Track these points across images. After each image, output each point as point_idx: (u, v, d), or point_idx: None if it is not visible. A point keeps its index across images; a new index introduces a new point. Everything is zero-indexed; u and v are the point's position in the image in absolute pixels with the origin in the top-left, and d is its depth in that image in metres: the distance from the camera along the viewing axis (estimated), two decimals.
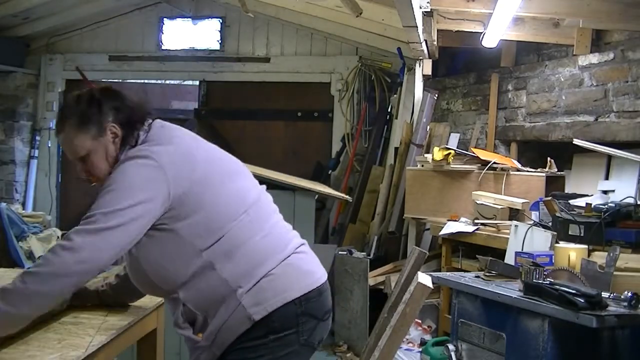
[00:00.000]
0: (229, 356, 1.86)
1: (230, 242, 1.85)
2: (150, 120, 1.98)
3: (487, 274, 2.93)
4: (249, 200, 1.94)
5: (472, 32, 4.59)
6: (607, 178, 4.17)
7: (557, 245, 3.05)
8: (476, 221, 4.03)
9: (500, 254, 3.49)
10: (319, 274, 1.97)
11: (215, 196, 1.87)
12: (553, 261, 2.93)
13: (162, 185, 1.80)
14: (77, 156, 1.95)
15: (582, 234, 3.07)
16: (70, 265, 1.72)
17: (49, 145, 7.22)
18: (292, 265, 1.91)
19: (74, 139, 1.93)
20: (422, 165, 4.74)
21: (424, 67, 5.40)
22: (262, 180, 3.81)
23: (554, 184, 4.25)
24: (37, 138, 7.22)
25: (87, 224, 1.77)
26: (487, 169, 4.38)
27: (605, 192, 3.96)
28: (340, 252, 5.30)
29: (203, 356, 1.88)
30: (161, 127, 1.98)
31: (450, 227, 4.09)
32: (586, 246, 2.94)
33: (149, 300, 2.33)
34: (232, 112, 7.24)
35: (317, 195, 3.98)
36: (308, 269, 1.96)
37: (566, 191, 4.17)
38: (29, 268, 1.77)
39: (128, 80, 7.60)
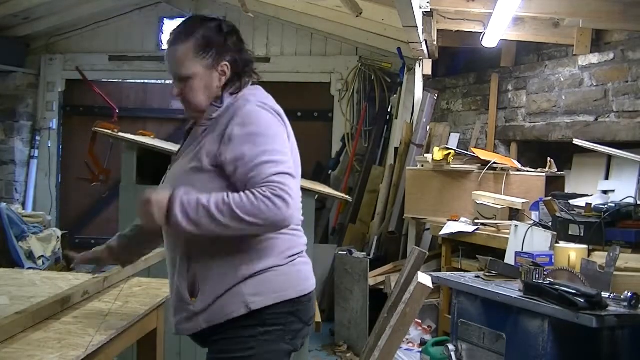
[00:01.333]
0: (216, 340, 1.88)
1: None
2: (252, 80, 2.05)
3: (487, 274, 2.93)
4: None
5: (472, 32, 4.59)
6: (607, 178, 4.17)
7: (557, 245, 3.05)
8: (476, 221, 4.03)
9: (500, 254, 3.49)
10: (312, 280, 2.02)
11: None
12: (553, 261, 2.93)
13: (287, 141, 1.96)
14: (180, 75, 1.95)
15: (582, 234, 3.07)
16: (273, 222, 1.80)
17: (49, 145, 7.22)
18: (297, 267, 1.95)
19: (186, 58, 1.93)
20: (422, 165, 4.74)
21: (424, 67, 5.40)
22: None
23: (554, 184, 4.25)
24: (37, 138, 7.23)
25: (284, 178, 1.82)
26: (487, 169, 4.39)
27: (605, 192, 3.96)
28: (340, 252, 5.30)
29: (187, 324, 1.89)
30: (266, 95, 2.04)
31: (450, 227, 4.10)
32: (586, 246, 2.94)
33: (149, 300, 2.33)
34: None
35: (317, 195, 3.98)
36: (307, 274, 2.00)
37: (566, 191, 4.17)
38: (240, 206, 1.77)
39: (128, 80, 7.60)
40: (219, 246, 1.85)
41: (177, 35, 1.96)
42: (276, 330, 1.88)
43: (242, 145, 1.83)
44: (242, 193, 1.78)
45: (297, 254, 1.96)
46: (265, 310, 1.86)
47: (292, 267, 1.93)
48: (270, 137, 1.86)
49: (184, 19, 2.03)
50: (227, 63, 1.95)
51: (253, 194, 1.77)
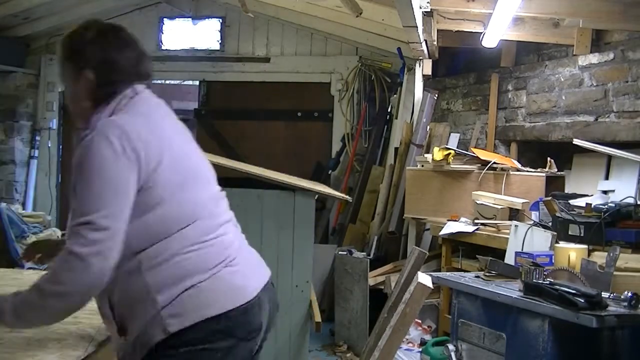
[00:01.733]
0: None
1: (165, 249, 1.74)
2: (143, 87, 1.86)
3: (487, 274, 2.93)
4: (203, 212, 1.81)
5: (472, 32, 4.59)
6: (607, 178, 4.17)
7: (557, 245, 3.05)
8: (476, 221, 4.03)
9: (500, 254, 3.49)
10: (248, 290, 1.83)
11: (170, 200, 1.75)
12: (553, 261, 2.93)
13: (133, 178, 1.70)
14: (62, 85, 1.93)
15: (582, 234, 3.07)
16: (84, 283, 1.65)
17: (49, 145, 7.22)
18: (222, 280, 1.79)
19: (59, 69, 1.89)
20: (422, 165, 4.74)
21: (424, 67, 5.40)
22: (262, 180, 3.82)
23: (554, 184, 4.25)
24: (37, 138, 7.22)
25: (87, 231, 1.64)
26: (487, 169, 4.38)
27: (605, 192, 3.97)
28: (340, 252, 5.30)
29: (128, 358, 1.80)
30: (140, 100, 1.84)
31: (450, 227, 4.09)
32: (586, 246, 2.94)
33: None
34: (232, 112, 7.24)
35: (317, 195, 3.98)
36: (239, 284, 1.82)
37: (566, 191, 4.17)
38: (44, 279, 1.68)
39: None
40: (132, 284, 1.74)
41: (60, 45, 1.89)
42: (200, 349, 1.75)
43: (73, 179, 1.71)
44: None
45: (219, 264, 1.79)
46: (186, 331, 1.73)
47: (215, 280, 1.77)
48: (95, 176, 1.67)
49: None
50: (88, 72, 1.80)
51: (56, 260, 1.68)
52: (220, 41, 7.16)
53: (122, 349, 1.81)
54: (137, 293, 1.73)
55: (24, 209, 6.77)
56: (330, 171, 6.80)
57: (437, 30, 4.62)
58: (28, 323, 1.73)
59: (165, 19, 7.23)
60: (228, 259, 1.82)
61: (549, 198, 3.56)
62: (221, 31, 7.15)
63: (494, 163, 4.40)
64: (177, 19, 7.23)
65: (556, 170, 4.35)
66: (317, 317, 3.78)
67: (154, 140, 1.74)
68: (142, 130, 1.73)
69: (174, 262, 1.74)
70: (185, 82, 7.80)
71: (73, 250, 1.62)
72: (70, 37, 1.85)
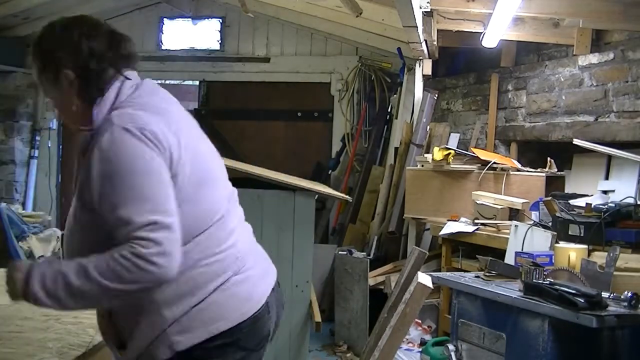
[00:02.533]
0: None
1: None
2: (136, 75, 1.74)
3: (487, 274, 2.93)
4: (215, 216, 1.71)
5: (472, 32, 4.59)
6: (607, 178, 4.17)
7: (557, 245, 3.05)
8: (476, 221, 4.03)
9: (500, 254, 3.49)
10: (255, 299, 1.77)
11: (188, 202, 1.63)
12: (553, 261, 2.93)
13: (166, 173, 1.59)
14: (47, 97, 1.78)
15: (582, 234, 3.07)
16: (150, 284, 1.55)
17: (49, 145, 7.22)
18: (230, 291, 1.71)
19: (38, 81, 1.73)
20: (422, 165, 4.74)
21: (424, 67, 5.40)
22: (262, 180, 3.83)
23: (554, 184, 4.26)
24: (37, 138, 7.23)
25: (149, 232, 1.52)
26: (487, 169, 4.39)
27: (605, 192, 3.97)
28: (340, 252, 5.30)
29: None
30: (152, 93, 1.72)
31: (450, 227, 4.09)
32: (586, 246, 2.94)
33: None
34: (232, 112, 7.24)
35: (317, 195, 3.98)
36: (246, 294, 1.75)
37: (566, 191, 4.17)
38: (103, 275, 1.53)
39: None
40: (138, 299, 1.64)
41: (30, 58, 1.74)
42: None
43: (102, 187, 1.57)
44: (104, 255, 1.54)
45: (227, 278, 1.71)
46: (194, 348, 1.66)
47: (223, 293, 1.70)
48: (135, 175, 1.55)
49: None
50: (67, 71, 1.66)
51: (112, 256, 1.52)
52: (220, 41, 7.16)
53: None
54: (143, 308, 1.65)
55: (24, 209, 6.78)
56: (330, 171, 6.80)
57: (437, 30, 4.61)
58: (55, 299, 1.54)
59: (165, 19, 7.23)
60: (238, 268, 1.75)
61: (549, 198, 3.56)
62: (221, 31, 7.16)
63: (494, 163, 4.40)
64: (177, 19, 7.23)
65: (556, 170, 4.35)
66: (317, 317, 3.79)
67: (171, 136, 1.62)
68: (160, 125, 1.61)
69: (185, 278, 1.64)
70: (185, 82, 7.79)
71: (138, 253, 1.51)
72: (39, 39, 1.71)
